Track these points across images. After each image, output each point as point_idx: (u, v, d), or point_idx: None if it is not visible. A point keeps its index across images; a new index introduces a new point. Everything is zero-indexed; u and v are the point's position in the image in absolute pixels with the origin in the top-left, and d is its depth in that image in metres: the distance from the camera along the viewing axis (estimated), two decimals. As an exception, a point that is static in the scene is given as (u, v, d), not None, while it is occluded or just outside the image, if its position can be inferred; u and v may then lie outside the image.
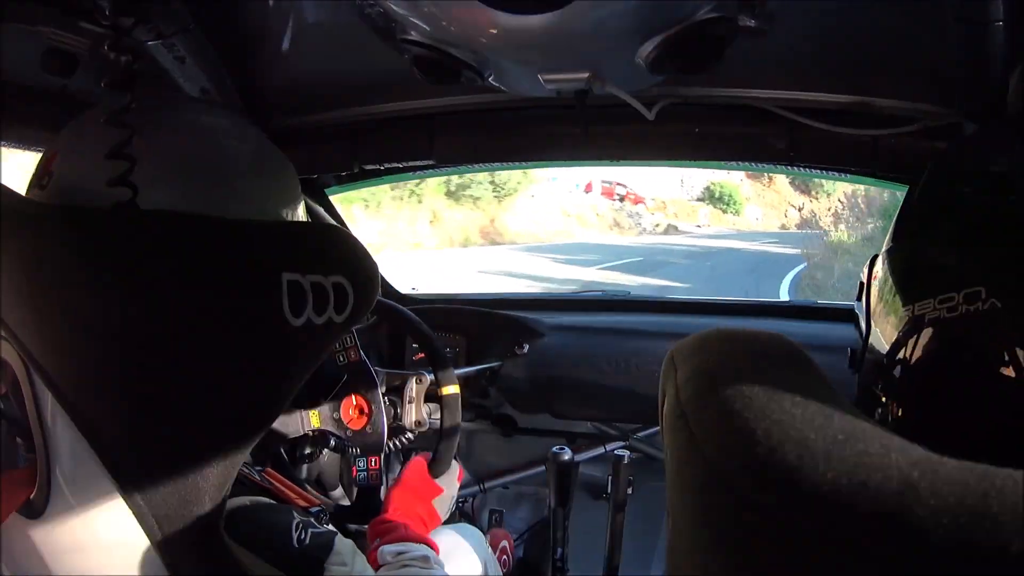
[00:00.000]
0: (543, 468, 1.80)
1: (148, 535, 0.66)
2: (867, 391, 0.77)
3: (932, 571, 0.30)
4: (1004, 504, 0.30)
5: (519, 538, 2.12)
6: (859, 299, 0.86)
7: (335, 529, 0.84)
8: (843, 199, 29.90)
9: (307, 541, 0.77)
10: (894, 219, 0.81)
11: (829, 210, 35.50)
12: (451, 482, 1.46)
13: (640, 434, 2.26)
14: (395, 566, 1.09)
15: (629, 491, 1.68)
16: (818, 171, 1.56)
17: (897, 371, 0.69)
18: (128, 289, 0.66)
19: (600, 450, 2.27)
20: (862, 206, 22.00)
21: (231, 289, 0.68)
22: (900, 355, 0.68)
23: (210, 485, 0.67)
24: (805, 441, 0.37)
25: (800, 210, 42.09)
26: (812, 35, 1.13)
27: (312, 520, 0.81)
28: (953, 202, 0.71)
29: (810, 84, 1.28)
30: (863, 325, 0.82)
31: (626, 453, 1.67)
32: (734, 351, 0.51)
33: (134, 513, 0.66)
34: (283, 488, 0.97)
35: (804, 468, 0.36)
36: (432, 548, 1.15)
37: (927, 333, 0.63)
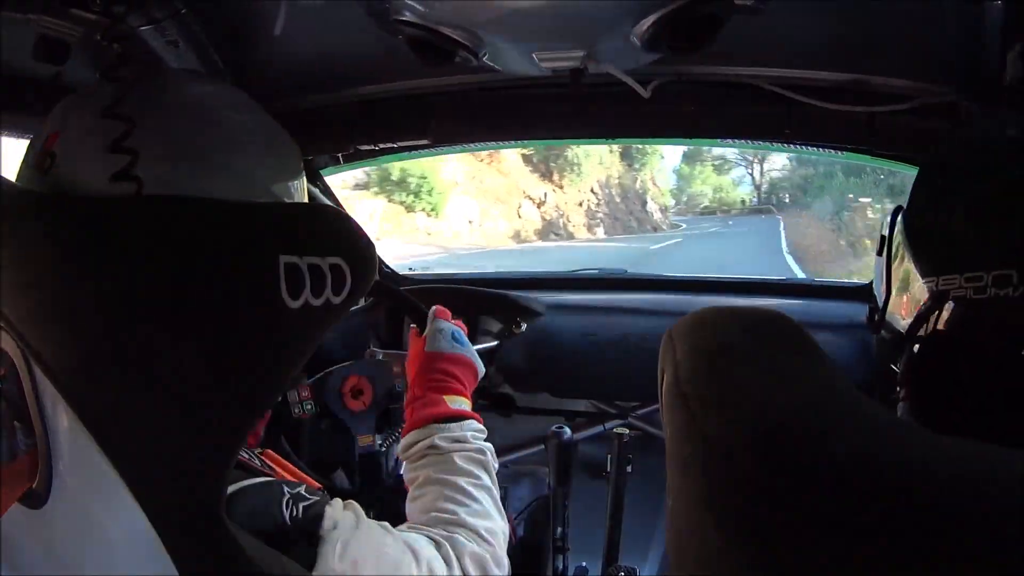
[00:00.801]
0: (543, 447, 1.80)
1: (150, 521, 0.66)
2: (885, 365, 0.76)
3: (935, 545, 0.30)
4: (1008, 482, 0.31)
5: (519, 516, 2.13)
6: (879, 254, 0.83)
7: (325, 497, 0.84)
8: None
9: (299, 515, 0.77)
10: (915, 179, 0.78)
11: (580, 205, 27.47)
12: (432, 320, 1.32)
13: (639, 412, 2.27)
14: (411, 460, 1.11)
15: (629, 469, 1.69)
16: (815, 149, 1.56)
17: (917, 348, 0.68)
18: (128, 276, 0.66)
19: (599, 428, 2.28)
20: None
21: (229, 273, 0.68)
22: (921, 331, 0.67)
23: (210, 469, 0.67)
24: (806, 418, 0.37)
25: (541, 204, 24.67)
26: (808, 13, 1.12)
27: (302, 492, 0.80)
28: (976, 170, 0.69)
29: (806, 62, 1.27)
30: (883, 285, 0.80)
31: (625, 431, 1.69)
32: (733, 329, 0.51)
33: (136, 499, 0.66)
34: (282, 472, 0.97)
35: (806, 445, 0.36)
36: (451, 416, 1.14)
37: (950, 309, 0.62)
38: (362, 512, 0.85)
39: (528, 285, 2.37)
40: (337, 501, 0.84)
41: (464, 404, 1.20)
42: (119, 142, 0.70)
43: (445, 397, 1.17)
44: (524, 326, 2.12)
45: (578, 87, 1.13)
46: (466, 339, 1.33)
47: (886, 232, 0.80)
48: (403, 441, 1.13)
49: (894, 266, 0.75)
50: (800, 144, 1.52)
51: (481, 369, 1.33)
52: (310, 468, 1.64)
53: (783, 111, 1.38)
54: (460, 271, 2.96)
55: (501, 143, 1.76)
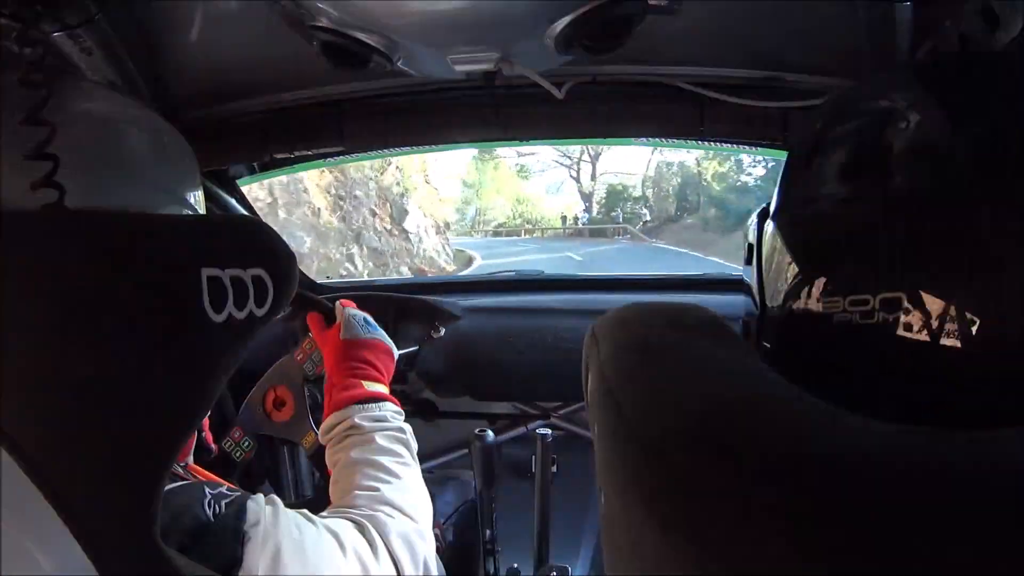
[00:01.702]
0: (467, 451, 1.80)
1: (83, 548, 0.63)
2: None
3: (878, 529, 0.30)
4: (942, 463, 0.32)
5: (447, 521, 2.12)
6: (748, 263, 0.78)
7: (246, 492, 0.82)
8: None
9: (221, 511, 0.75)
10: (780, 176, 0.72)
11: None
12: (341, 310, 1.36)
13: (561, 412, 2.30)
14: (333, 443, 1.12)
15: (554, 469, 1.70)
16: (730, 145, 1.60)
17: (794, 369, 0.58)
18: (47, 294, 0.63)
19: (522, 430, 2.29)
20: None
21: (150, 288, 0.66)
22: (797, 354, 0.64)
23: (141, 490, 0.65)
24: (738, 409, 0.38)
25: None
26: (721, 11, 1.16)
27: (223, 491, 0.78)
28: (847, 142, 0.64)
29: (720, 60, 1.31)
30: (756, 297, 0.74)
31: (548, 431, 1.70)
32: (655, 324, 0.52)
33: (67, 526, 0.63)
34: (199, 475, 0.95)
35: (736, 435, 0.37)
36: (368, 398, 1.15)
37: (832, 333, 0.57)
38: (280, 503, 0.84)
39: (444, 289, 2.36)
40: (259, 496, 0.82)
41: (381, 387, 1.21)
42: (42, 147, 0.67)
43: (363, 382, 1.19)
44: (442, 330, 2.11)
45: (492, 89, 1.14)
46: (376, 324, 1.35)
47: (752, 239, 0.76)
48: (323, 424, 1.14)
49: (766, 281, 0.70)
50: (715, 141, 1.56)
51: (395, 351, 1.35)
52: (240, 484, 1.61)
53: (698, 109, 1.42)
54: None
55: (416, 148, 1.75)
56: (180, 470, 0.90)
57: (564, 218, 40.77)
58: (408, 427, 1.15)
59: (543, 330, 2.05)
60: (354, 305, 1.38)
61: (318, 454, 1.64)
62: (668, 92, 1.40)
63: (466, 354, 2.10)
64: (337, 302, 1.36)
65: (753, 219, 0.76)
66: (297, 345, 1.76)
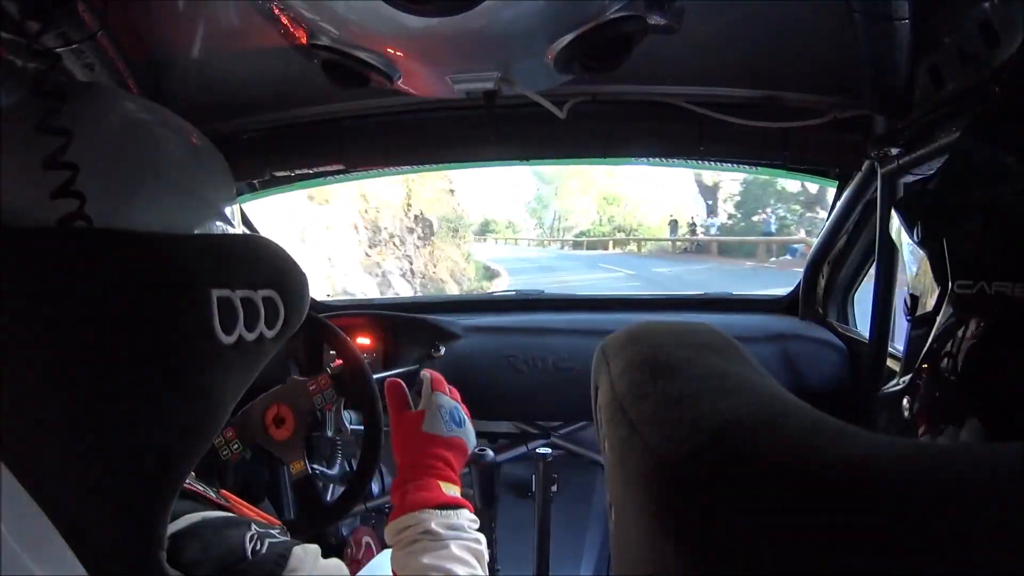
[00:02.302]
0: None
1: (80, 562, 0.63)
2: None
3: (895, 543, 0.30)
4: (963, 476, 0.31)
5: (447, 541, 2.11)
6: (928, 237, 0.77)
7: (295, 540, 0.80)
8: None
9: (262, 551, 0.73)
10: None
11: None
12: (429, 395, 1.24)
13: (562, 431, 2.29)
14: (401, 546, 1.03)
15: (554, 488, 1.69)
16: (729, 164, 1.61)
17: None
18: (59, 315, 0.62)
19: (522, 449, 2.28)
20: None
21: (160, 309, 0.65)
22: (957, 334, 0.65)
23: (147, 513, 0.64)
24: (751, 424, 0.38)
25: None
26: (721, 31, 1.17)
27: (271, 531, 0.77)
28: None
29: (720, 80, 1.32)
30: (929, 275, 0.75)
31: (549, 451, 1.69)
32: (667, 342, 0.52)
33: (71, 548, 0.63)
34: (241, 507, 0.93)
35: (749, 451, 0.36)
36: (447, 504, 1.07)
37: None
38: (345, 569, 0.82)
39: (445, 308, 2.36)
40: (313, 547, 0.80)
41: (457, 491, 1.14)
42: (56, 156, 0.66)
43: (440, 484, 1.11)
44: (442, 349, 2.10)
45: (492, 109, 1.14)
46: (464, 415, 1.25)
47: (920, 214, 0.76)
48: (393, 524, 1.07)
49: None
50: (715, 160, 1.57)
51: (472, 447, 1.25)
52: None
53: (697, 128, 1.42)
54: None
55: (416, 167, 1.76)
56: (212, 494, 0.89)
57: (674, 223, 29.36)
58: (483, 537, 1.09)
59: (543, 350, 2.05)
60: (444, 385, 1.26)
61: (302, 482, 1.65)
62: (667, 111, 1.40)
63: (466, 373, 2.09)
64: (426, 376, 1.26)
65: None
66: (297, 362, 1.76)
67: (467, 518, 1.08)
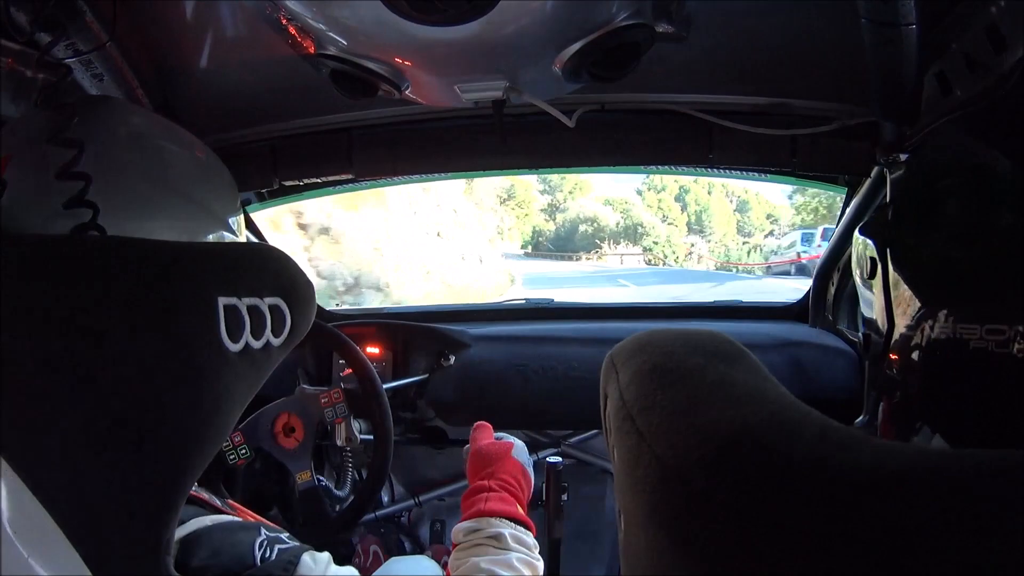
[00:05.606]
0: None
1: (89, 569, 0.63)
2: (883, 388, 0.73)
3: (904, 550, 0.30)
4: (970, 481, 0.31)
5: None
6: (871, 278, 0.79)
7: (305, 546, 0.80)
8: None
9: (271, 557, 0.73)
10: (883, 200, 0.72)
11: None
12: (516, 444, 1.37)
13: (572, 440, 2.28)
14: (465, 546, 1.05)
15: (564, 497, 1.68)
16: (738, 172, 1.61)
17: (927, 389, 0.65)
18: (67, 321, 0.63)
19: (533, 458, 2.28)
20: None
21: (169, 318, 0.66)
22: (929, 375, 0.65)
23: (153, 521, 0.64)
24: (757, 432, 0.38)
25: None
26: (728, 39, 1.17)
27: (283, 537, 0.77)
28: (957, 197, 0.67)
29: (728, 87, 1.32)
30: (882, 314, 0.76)
31: (559, 460, 1.68)
32: (674, 349, 0.51)
33: (79, 553, 0.63)
34: (248, 517, 0.93)
35: (758, 459, 0.36)
36: (521, 521, 1.11)
37: (966, 358, 0.60)
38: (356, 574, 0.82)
39: (455, 317, 2.36)
40: (323, 555, 0.81)
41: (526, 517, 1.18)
42: (69, 167, 0.67)
43: (518, 503, 1.17)
44: (452, 358, 2.10)
45: (500, 118, 1.14)
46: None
47: (873, 254, 0.78)
48: (466, 524, 1.09)
49: (895, 300, 0.72)
50: (724, 168, 1.56)
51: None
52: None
53: (706, 136, 1.42)
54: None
55: (425, 176, 1.76)
56: (219, 503, 0.89)
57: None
58: (541, 561, 1.10)
59: (553, 358, 2.05)
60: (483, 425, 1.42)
61: (307, 492, 1.65)
62: (676, 120, 1.40)
63: (475, 382, 2.09)
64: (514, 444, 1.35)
65: (858, 236, 0.76)
66: (306, 371, 1.77)
67: (532, 539, 1.11)
